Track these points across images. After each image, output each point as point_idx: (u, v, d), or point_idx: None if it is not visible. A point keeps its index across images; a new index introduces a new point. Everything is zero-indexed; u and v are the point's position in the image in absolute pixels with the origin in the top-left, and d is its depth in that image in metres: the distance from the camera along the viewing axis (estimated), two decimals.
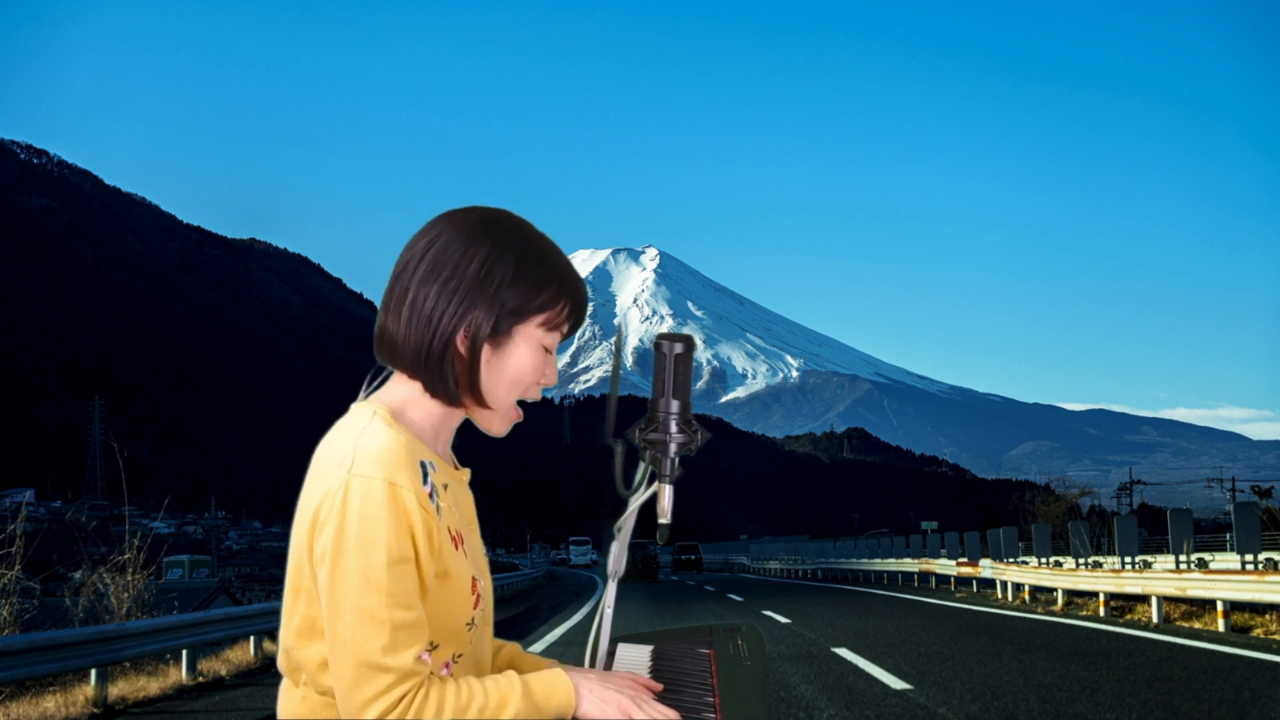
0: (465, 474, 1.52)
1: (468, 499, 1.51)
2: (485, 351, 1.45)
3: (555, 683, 1.40)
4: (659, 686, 1.52)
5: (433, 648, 1.38)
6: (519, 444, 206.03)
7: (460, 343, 1.43)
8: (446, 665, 1.40)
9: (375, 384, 1.50)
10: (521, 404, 1.53)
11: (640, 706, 1.42)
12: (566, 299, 1.48)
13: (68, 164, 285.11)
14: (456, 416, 1.50)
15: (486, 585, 1.47)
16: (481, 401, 1.47)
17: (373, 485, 1.33)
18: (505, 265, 1.44)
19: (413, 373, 1.45)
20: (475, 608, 1.43)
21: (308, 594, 1.38)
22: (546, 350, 1.48)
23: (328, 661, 1.36)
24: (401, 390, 1.47)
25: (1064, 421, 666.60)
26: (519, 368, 1.46)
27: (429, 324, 1.43)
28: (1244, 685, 8.65)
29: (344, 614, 1.31)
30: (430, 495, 1.37)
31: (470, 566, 1.43)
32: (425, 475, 1.38)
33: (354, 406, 1.46)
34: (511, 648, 1.62)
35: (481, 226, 1.46)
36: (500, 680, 1.37)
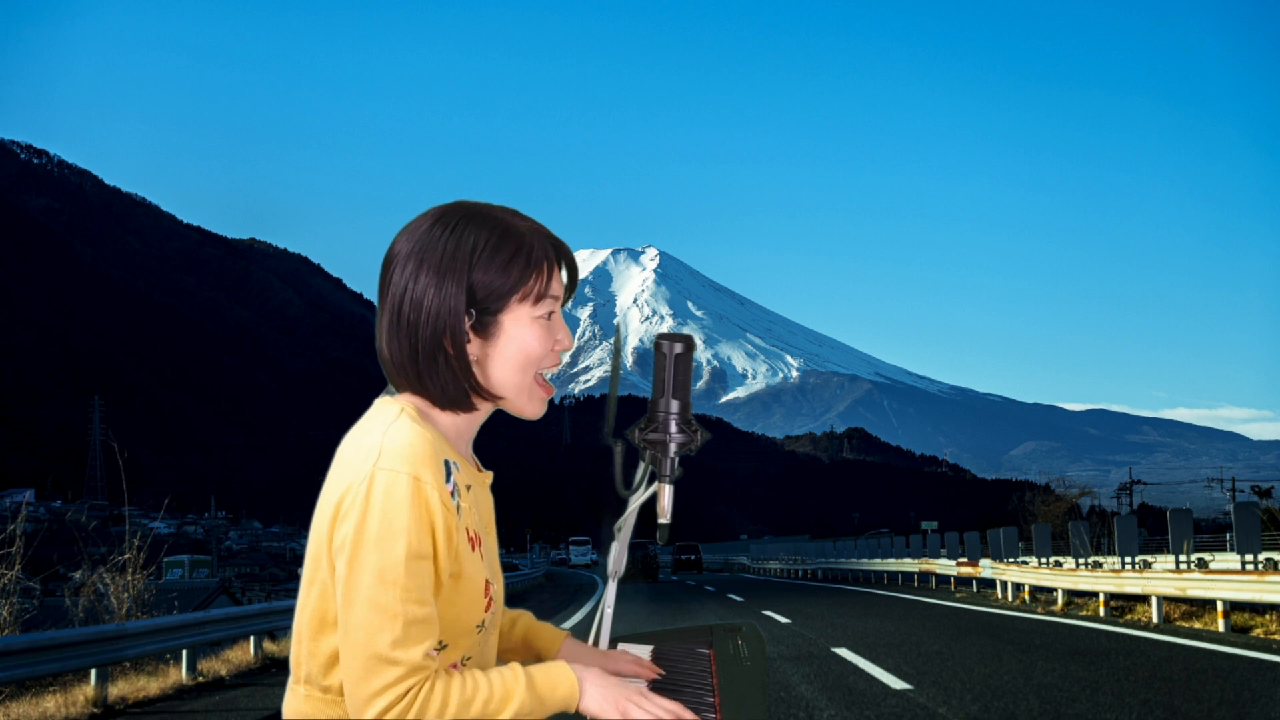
0: (488, 476, 1.52)
1: (488, 501, 1.51)
2: (478, 347, 1.44)
3: (559, 676, 1.40)
4: (660, 671, 1.54)
5: (442, 647, 1.38)
6: (519, 444, 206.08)
7: (448, 345, 1.42)
8: (455, 666, 1.40)
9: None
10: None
11: (643, 704, 1.42)
12: (538, 267, 1.45)
13: (68, 164, 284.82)
14: (479, 417, 1.50)
15: (499, 589, 1.47)
16: (493, 395, 1.46)
17: (397, 479, 1.34)
18: (464, 255, 1.42)
19: (415, 391, 1.45)
20: (487, 610, 1.43)
21: (322, 586, 1.38)
22: (547, 317, 1.46)
23: (338, 653, 1.36)
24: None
25: (1064, 421, 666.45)
26: (523, 348, 1.45)
27: (409, 337, 1.42)
28: (1244, 685, 8.64)
29: (358, 605, 1.32)
30: (452, 494, 1.37)
31: (485, 569, 1.43)
32: (449, 473, 1.38)
33: (380, 400, 1.46)
34: (526, 618, 1.63)
35: (436, 226, 1.44)
36: (505, 673, 1.38)
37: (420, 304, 1.42)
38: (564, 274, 1.49)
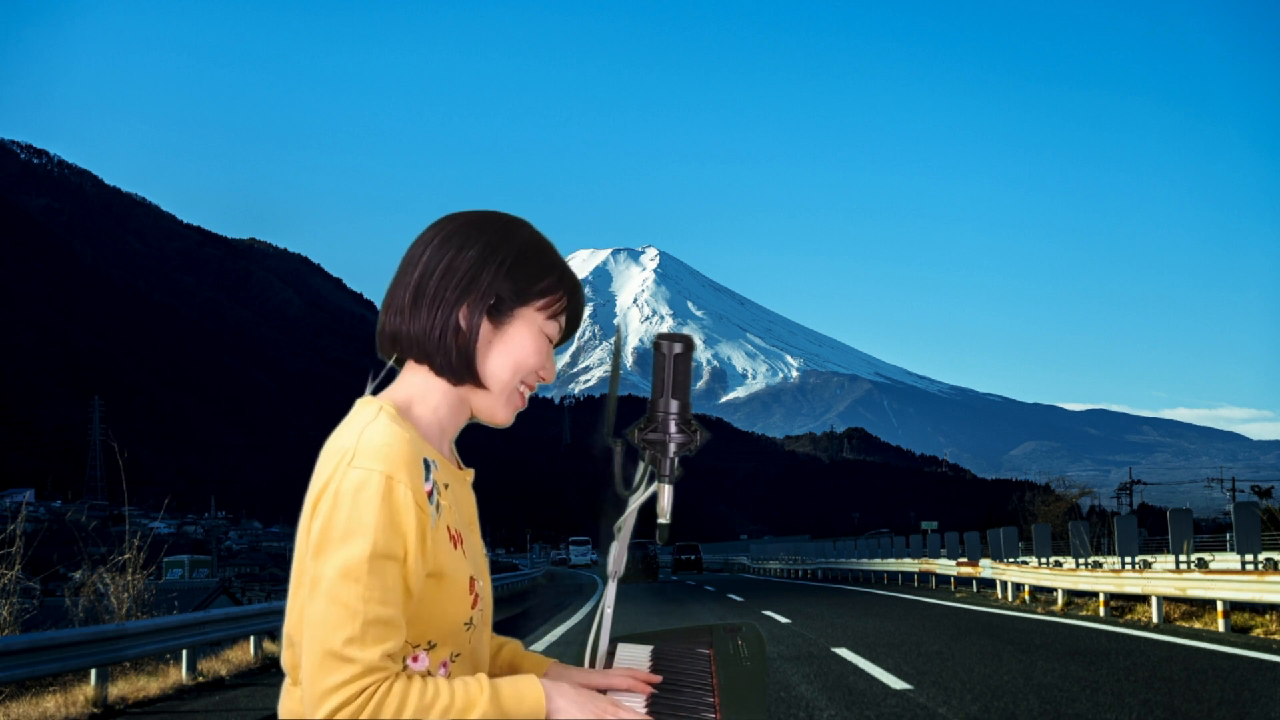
0: (469, 474, 1.52)
1: (470, 499, 1.50)
2: (487, 330, 1.46)
3: (525, 689, 1.38)
4: (657, 679, 1.52)
5: (430, 646, 1.37)
6: (519, 444, 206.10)
7: (463, 318, 1.45)
8: (444, 664, 1.39)
9: (379, 381, 1.50)
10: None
11: (618, 715, 1.41)
12: (565, 291, 1.50)
13: (68, 164, 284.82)
14: (463, 414, 1.50)
15: (485, 585, 1.46)
16: (486, 381, 1.47)
17: (369, 478, 1.33)
18: (501, 255, 1.46)
19: (418, 357, 1.46)
20: (474, 607, 1.42)
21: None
22: (548, 339, 1.50)
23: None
24: (407, 386, 1.47)
25: (1064, 421, 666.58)
26: (522, 350, 1.48)
27: (430, 312, 1.44)
28: (1244, 685, 8.65)
29: (319, 601, 1.30)
30: (430, 494, 1.36)
31: (469, 566, 1.42)
32: (427, 472, 1.37)
33: (360, 401, 1.46)
34: (512, 646, 1.61)
35: (477, 224, 1.49)
36: (469, 683, 1.35)
37: (449, 289, 1.44)
38: (570, 314, 1.53)
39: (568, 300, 1.51)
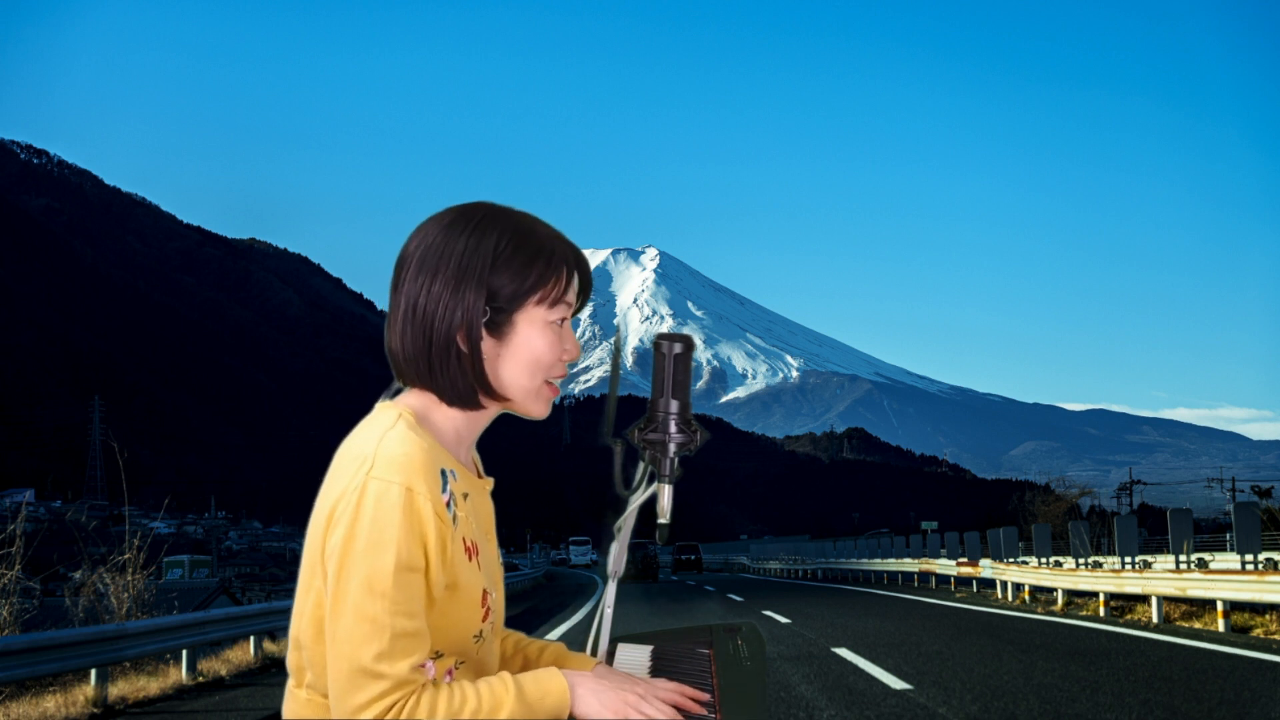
0: (488, 483, 1.50)
1: (488, 508, 1.48)
2: (489, 345, 1.42)
3: (550, 683, 1.37)
4: (705, 696, 1.47)
5: (437, 656, 1.36)
6: (519, 444, 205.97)
7: (461, 342, 1.40)
8: (449, 672, 1.38)
9: (397, 386, 1.47)
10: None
11: (643, 708, 1.39)
12: (558, 271, 1.44)
13: (68, 164, 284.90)
14: (482, 419, 1.47)
15: (498, 598, 1.44)
16: (501, 395, 1.44)
17: (389, 489, 1.31)
18: (485, 252, 1.41)
19: (423, 385, 1.43)
20: (484, 620, 1.41)
21: (318, 594, 1.36)
22: (560, 324, 1.45)
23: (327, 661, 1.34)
24: (425, 393, 1.45)
25: (1064, 421, 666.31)
26: (533, 351, 1.43)
27: (424, 330, 1.41)
28: (1244, 685, 8.65)
29: (345, 616, 1.29)
30: (448, 504, 1.35)
31: (483, 579, 1.40)
32: (445, 483, 1.36)
33: (379, 406, 1.44)
34: (555, 648, 1.59)
35: (458, 222, 1.43)
36: (494, 683, 1.35)
37: (439, 298, 1.40)
38: (578, 283, 1.48)
39: (565, 277, 1.45)
